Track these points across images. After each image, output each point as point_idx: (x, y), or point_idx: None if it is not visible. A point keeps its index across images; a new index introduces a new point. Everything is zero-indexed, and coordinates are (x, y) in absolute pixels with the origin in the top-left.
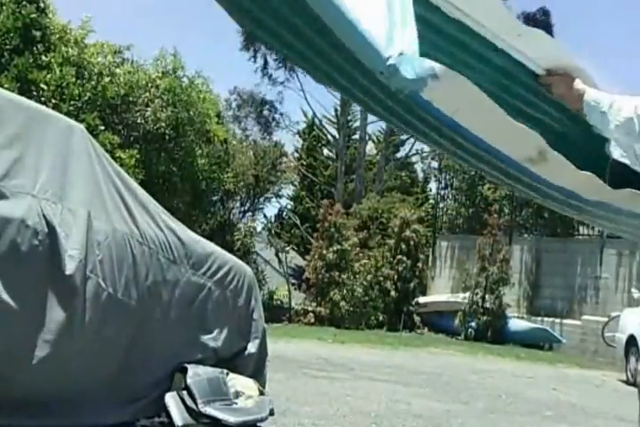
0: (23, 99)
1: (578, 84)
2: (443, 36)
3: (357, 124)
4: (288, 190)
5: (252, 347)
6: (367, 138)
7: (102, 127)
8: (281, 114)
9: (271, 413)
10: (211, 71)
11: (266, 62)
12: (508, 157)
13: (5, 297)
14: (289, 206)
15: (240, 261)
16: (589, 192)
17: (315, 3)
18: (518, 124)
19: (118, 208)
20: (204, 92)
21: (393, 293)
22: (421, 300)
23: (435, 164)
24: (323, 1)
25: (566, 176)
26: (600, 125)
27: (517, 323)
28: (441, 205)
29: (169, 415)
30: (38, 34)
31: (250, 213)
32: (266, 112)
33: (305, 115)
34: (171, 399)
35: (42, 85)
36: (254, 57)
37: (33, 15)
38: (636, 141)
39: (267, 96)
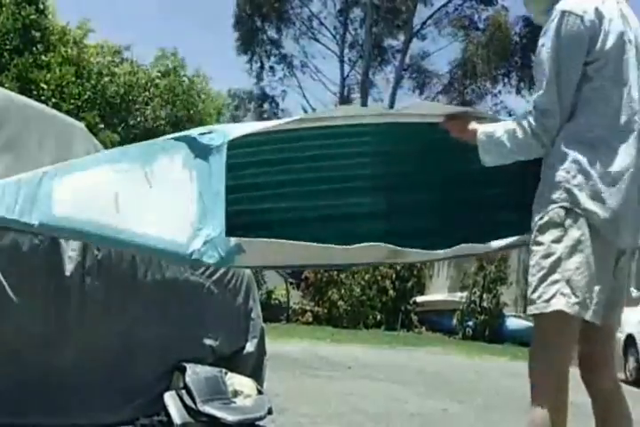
0: (24, 98)
1: (472, 124)
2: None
3: None
4: None
5: (250, 346)
6: None
7: (102, 125)
8: (282, 110)
9: (269, 411)
10: (210, 71)
11: (262, 64)
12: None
13: (9, 296)
14: None
15: None
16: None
17: (118, 242)
18: (342, 247)
19: None
20: (205, 90)
21: (391, 292)
22: (419, 299)
23: None
24: (121, 239)
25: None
26: (498, 157)
27: (515, 322)
28: None
29: (168, 414)
30: (38, 34)
31: None
32: (266, 106)
33: (305, 111)
34: (169, 398)
35: (42, 85)
36: (251, 60)
37: (33, 16)
38: (536, 156)
39: (268, 92)
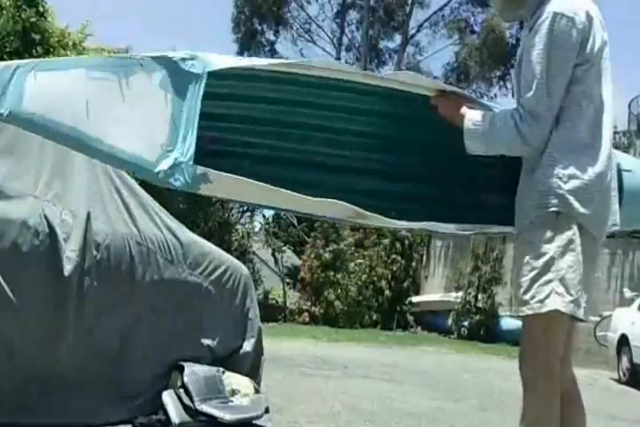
0: None
1: (463, 108)
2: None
3: None
4: None
5: (247, 346)
6: None
7: None
8: None
9: (266, 410)
10: None
11: None
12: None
13: (8, 295)
14: None
15: (236, 261)
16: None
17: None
18: (313, 199)
19: (118, 209)
20: None
21: (387, 292)
22: (415, 299)
23: None
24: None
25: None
26: (481, 147)
27: (509, 322)
28: None
29: (166, 413)
30: (38, 37)
31: (248, 214)
32: None
33: None
34: (168, 397)
35: None
36: None
37: (32, 19)
38: (519, 154)
39: None
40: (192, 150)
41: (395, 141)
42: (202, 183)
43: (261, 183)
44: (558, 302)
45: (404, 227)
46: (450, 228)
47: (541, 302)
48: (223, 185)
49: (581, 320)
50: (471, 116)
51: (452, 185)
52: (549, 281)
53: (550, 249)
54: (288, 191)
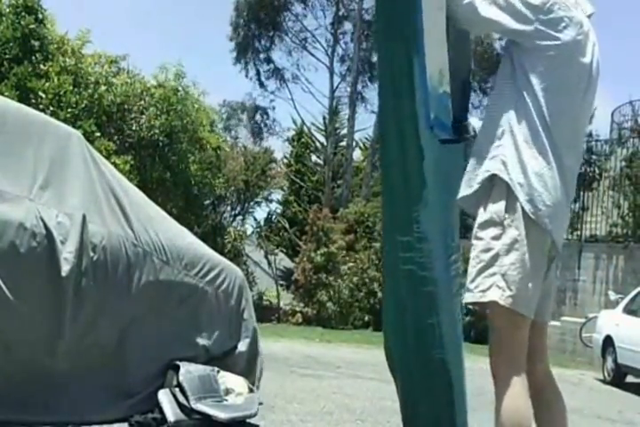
0: (22, 106)
1: None
2: None
3: (345, 131)
4: (277, 195)
5: (242, 346)
6: (354, 145)
7: (98, 134)
8: (273, 120)
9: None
10: (204, 83)
11: (258, 73)
12: None
13: (6, 296)
14: (278, 210)
15: (231, 263)
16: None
17: None
18: None
19: (114, 212)
20: (199, 102)
21: (379, 294)
22: None
23: None
24: None
25: None
26: None
27: None
28: None
29: (162, 412)
30: (37, 44)
31: (240, 217)
32: (258, 117)
33: (294, 122)
34: (163, 396)
35: (40, 93)
36: (245, 69)
37: (32, 26)
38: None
39: (259, 103)
40: None
41: None
42: None
43: None
44: (497, 294)
45: None
46: None
47: (483, 292)
48: None
49: (522, 315)
50: None
51: None
52: (493, 274)
53: (496, 246)
54: None
